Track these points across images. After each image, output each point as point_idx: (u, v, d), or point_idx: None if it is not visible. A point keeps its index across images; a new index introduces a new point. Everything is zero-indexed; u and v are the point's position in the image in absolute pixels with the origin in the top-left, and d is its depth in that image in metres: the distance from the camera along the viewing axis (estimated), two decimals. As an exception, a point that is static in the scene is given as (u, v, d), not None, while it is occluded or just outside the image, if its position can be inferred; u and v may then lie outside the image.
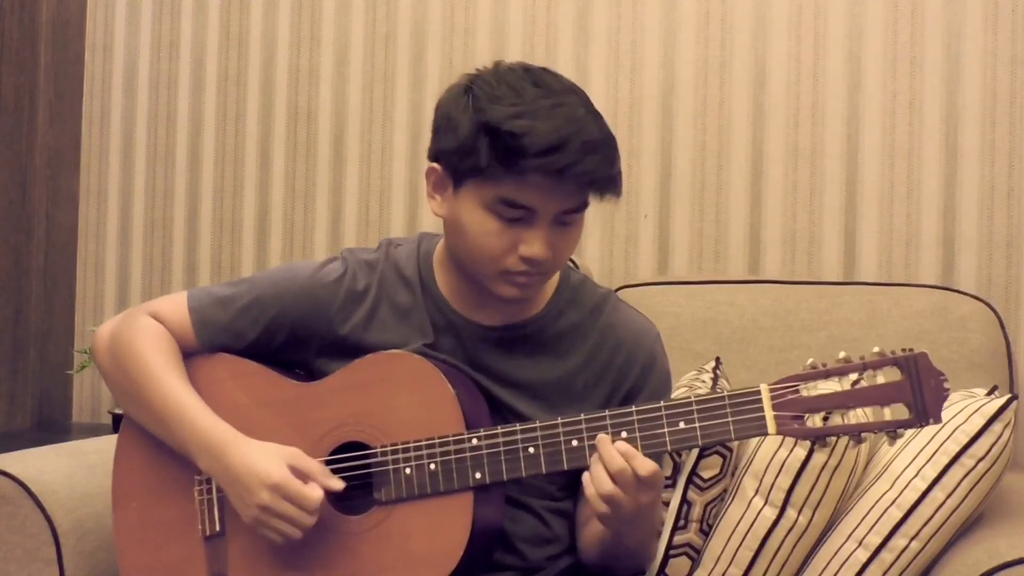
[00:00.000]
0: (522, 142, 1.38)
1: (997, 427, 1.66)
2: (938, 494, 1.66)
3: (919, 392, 1.31)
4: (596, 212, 2.49)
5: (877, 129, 2.36)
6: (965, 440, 1.66)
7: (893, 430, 1.32)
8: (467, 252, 1.48)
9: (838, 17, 2.38)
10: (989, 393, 1.75)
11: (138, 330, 1.59)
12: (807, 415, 1.33)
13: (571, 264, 1.66)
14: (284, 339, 1.60)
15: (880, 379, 1.32)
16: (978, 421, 1.66)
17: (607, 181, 1.43)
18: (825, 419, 1.33)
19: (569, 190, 1.42)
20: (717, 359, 2.02)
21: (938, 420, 1.31)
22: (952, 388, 1.87)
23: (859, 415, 1.35)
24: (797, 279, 2.28)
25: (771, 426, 1.34)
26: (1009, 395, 1.70)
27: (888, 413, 1.32)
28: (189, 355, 1.60)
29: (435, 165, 1.50)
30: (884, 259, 2.35)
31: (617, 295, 1.65)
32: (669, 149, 2.48)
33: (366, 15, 2.68)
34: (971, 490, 1.66)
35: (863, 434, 1.33)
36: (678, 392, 1.90)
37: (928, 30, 2.33)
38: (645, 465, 1.35)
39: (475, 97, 1.44)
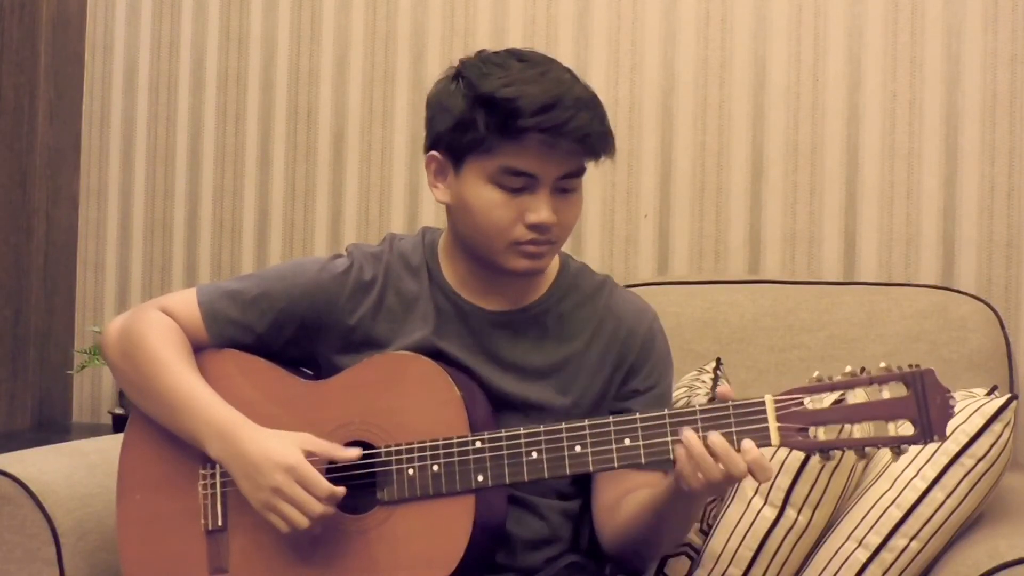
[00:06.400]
0: (517, 105, 1.44)
1: (997, 427, 1.66)
2: (938, 494, 1.66)
3: (924, 409, 1.30)
4: (596, 212, 2.51)
5: (877, 129, 2.36)
6: (965, 440, 1.66)
7: (897, 446, 1.31)
8: (476, 230, 1.51)
9: (838, 17, 2.38)
10: (989, 393, 1.75)
11: (149, 324, 1.60)
12: (811, 428, 1.33)
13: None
14: (293, 332, 1.61)
15: (886, 394, 1.31)
16: (978, 421, 1.66)
17: (601, 137, 1.48)
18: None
19: (566, 151, 1.46)
20: (718, 359, 2.02)
21: (943, 437, 1.31)
22: (952, 388, 1.87)
23: (864, 429, 1.35)
24: (797, 279, 2.28)
25: (775, 437, 1.34)
26: (1009, 395, 1.70)
27: (892, 428, 1.31)
28: (198, 350, 1.61)
29: (433, 152, 1.54)
30: (884, 259, 2.35)
31: (614, 280, 1.67)
32: (669, 149, 2.48)
33: (366, 15, 2.68)
34: (971, 490, 1.66)
35: (867, 449, 1.32)
36: (678, 393, 1.90)
37: (928, 30, 2.33)
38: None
39: (465, 79, 1.50)
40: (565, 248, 1.62)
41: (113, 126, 2.87)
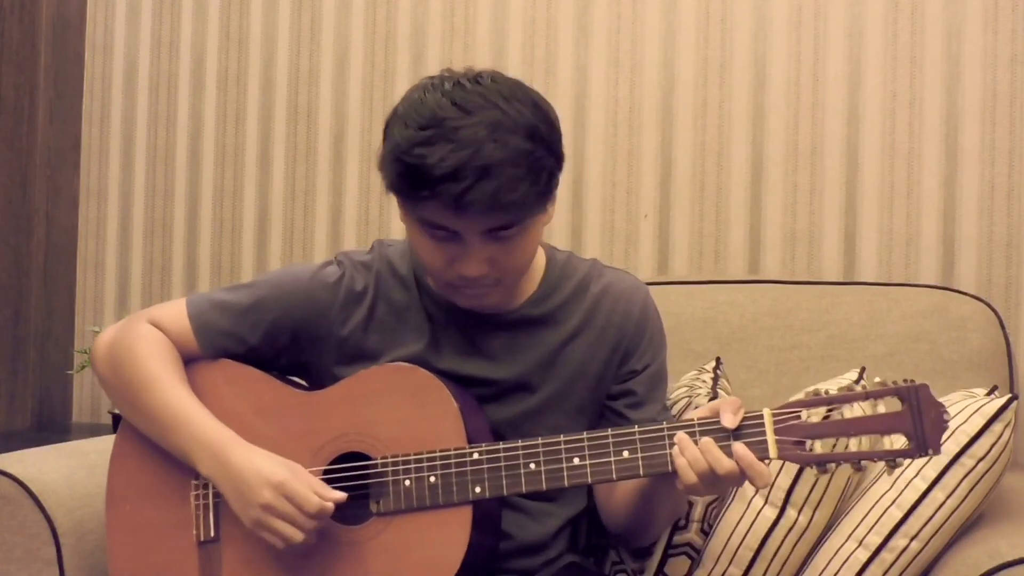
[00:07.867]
0: (418, 172, 1.38)
1: (997, 427, 1.66)
2: (938, 494, 1.66)
3: (919, 423, 1.32)
4: (596, 212, 2.51)
5: (877, 129, 2.36)
6: (965, 440, 1.66)
7: (892, 459, 1.33)
8: (421, 265, 1.52)
9: (838, 17, 2.38)
10: (989, 393, 1.75)
11: (138, 337, 1.58)
12: (808, 441, 1.35)
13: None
14: (286, 343, 1.60)
15: (881, 408, 1.34)
16: (978, 421, 1.66)
17: (508, 207, 1.38)
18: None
19: (476, 213, 1.38)
20: (718, 359, 2.02)
21: (937, 451, 1.33)
22: (952, 388, 1.87)
23: (860, 443, 1.36)
24: (797, 279, 2.28)
25: (772, 450, 1.35)
26: (1009, 395, 1.70)
27: (888, 442, 1.33)
28: (188, 361, 1.60)
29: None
30: (884, 259, 2.35)
31: (600, 262, 1.67)
32: (669, 149, 2.48)
33: (366, 15, 2.68)
34: (971, 490, 1.66)
35: (862, 462, 1.34)
36: (678, 392, 1.90)
37: (928, 30, 2.33)
38: (723, 464, 1.35)
39: (396, 117, 1.45)
40: (564, 246, 1.62)
41: (113, 126, 2.87)
